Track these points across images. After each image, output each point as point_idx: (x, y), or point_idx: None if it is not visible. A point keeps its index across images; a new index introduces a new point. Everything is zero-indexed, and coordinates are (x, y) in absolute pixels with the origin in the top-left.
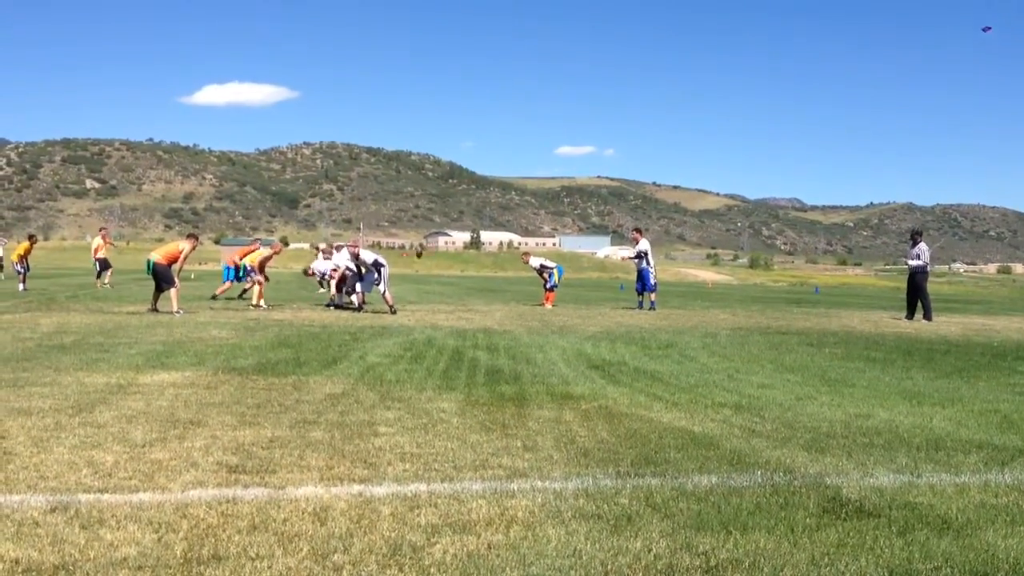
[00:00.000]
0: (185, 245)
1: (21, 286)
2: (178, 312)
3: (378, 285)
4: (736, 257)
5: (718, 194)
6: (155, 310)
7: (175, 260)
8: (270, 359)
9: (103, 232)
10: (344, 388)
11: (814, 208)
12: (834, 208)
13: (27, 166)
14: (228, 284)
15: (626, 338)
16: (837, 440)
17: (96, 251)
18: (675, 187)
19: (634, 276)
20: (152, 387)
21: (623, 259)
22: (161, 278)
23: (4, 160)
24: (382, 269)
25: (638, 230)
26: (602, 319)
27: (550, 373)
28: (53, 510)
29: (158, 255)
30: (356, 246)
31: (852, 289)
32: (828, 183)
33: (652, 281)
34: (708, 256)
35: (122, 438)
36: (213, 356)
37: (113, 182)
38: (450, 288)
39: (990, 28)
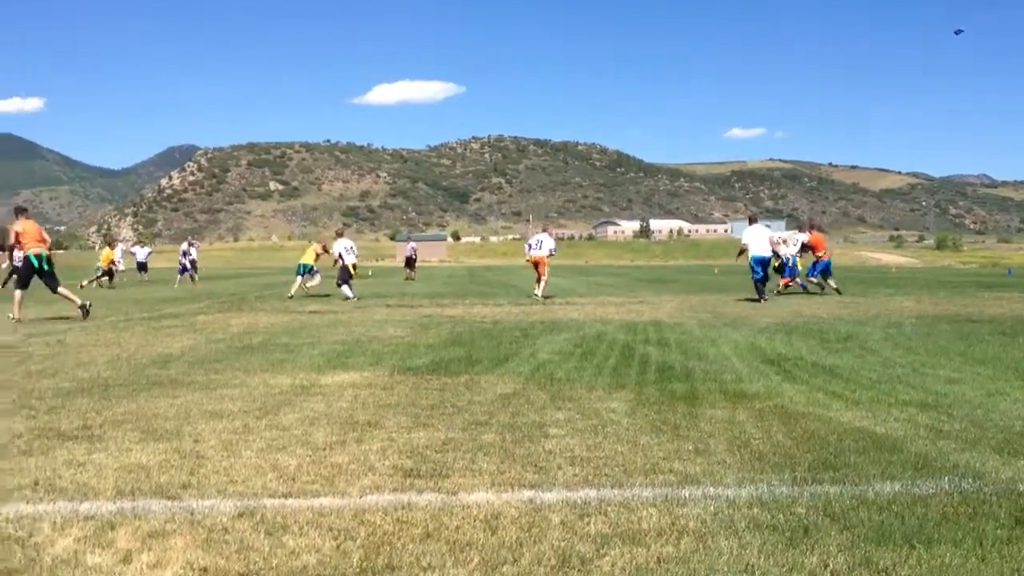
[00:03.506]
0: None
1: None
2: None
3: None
4: (921, 238)
5: (900, 172)
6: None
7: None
8: (443, 358)
9: (118, 243)
10: (515, 388)
11: (1005, 183)
12: None
13: (216, 171)
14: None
15: (803, 330)
16: None
17: (108, 261)
18: (852, 167)
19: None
20: (332, 388)
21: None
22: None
23: (195, 165)
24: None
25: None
26: (777, 309)
27: (723, 369)
28: (240, 515)
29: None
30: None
31: None
32: (1020, 156)
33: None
34: (891, 238)
35: (305, 441)
36: (390, 355)
37: (295, 183)
38: (619, 279)
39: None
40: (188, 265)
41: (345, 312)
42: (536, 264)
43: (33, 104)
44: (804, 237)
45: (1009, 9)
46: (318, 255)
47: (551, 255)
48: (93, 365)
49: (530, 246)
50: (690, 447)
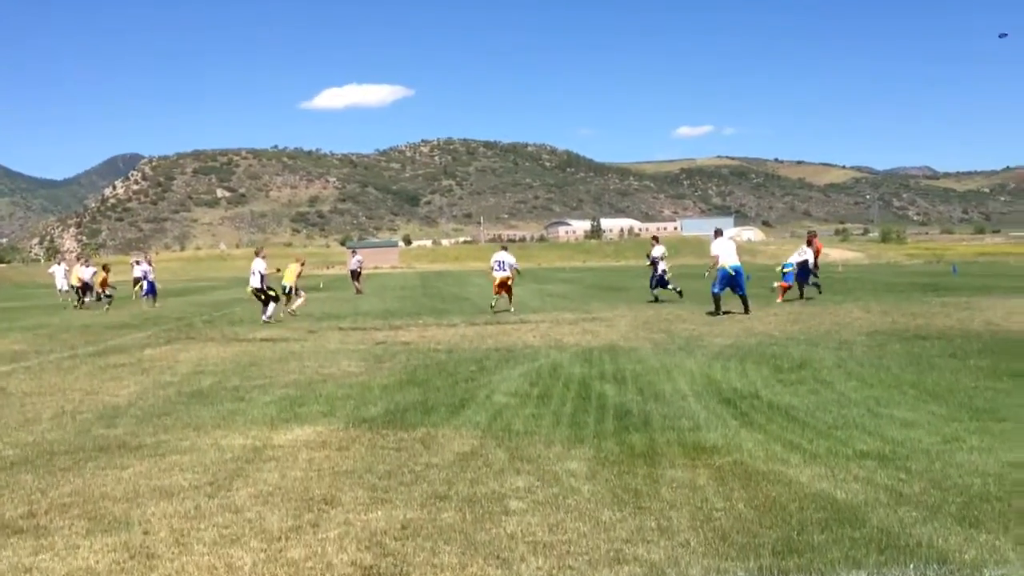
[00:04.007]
0: None
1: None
2: None
3: None
4: (866, 231)
5: (844, 166)
6: None
7: None
8: (399, 404)
9: (105, 266)
10: (472, 445)
11: (947, 175)
12: (968, 174)
13: (161, 179)
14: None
15: (756, 355)
16: (992, 505)
17: (103, 284)
18: (798, 162)
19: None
20: (286, 450)
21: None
22: None
23: (139, 174)
24: None
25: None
26: (730, 324)
27: (680, 413)
28: None
29: None
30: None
31: (993, 265)
32: (961, 148)
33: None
34: (837, 232)
35: (259, 528)
36: (343, 402)
37: (242, 190)
38: (571, 288)
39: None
40: (149, 284)
41: (297, 341)
42: (503, 283)
43: None
44: (810, 255)
45: (948, 5)
46: (299, 274)
47: (515, 270)
48: (37, 423)
49: (495, 266)
50: (653, 524)
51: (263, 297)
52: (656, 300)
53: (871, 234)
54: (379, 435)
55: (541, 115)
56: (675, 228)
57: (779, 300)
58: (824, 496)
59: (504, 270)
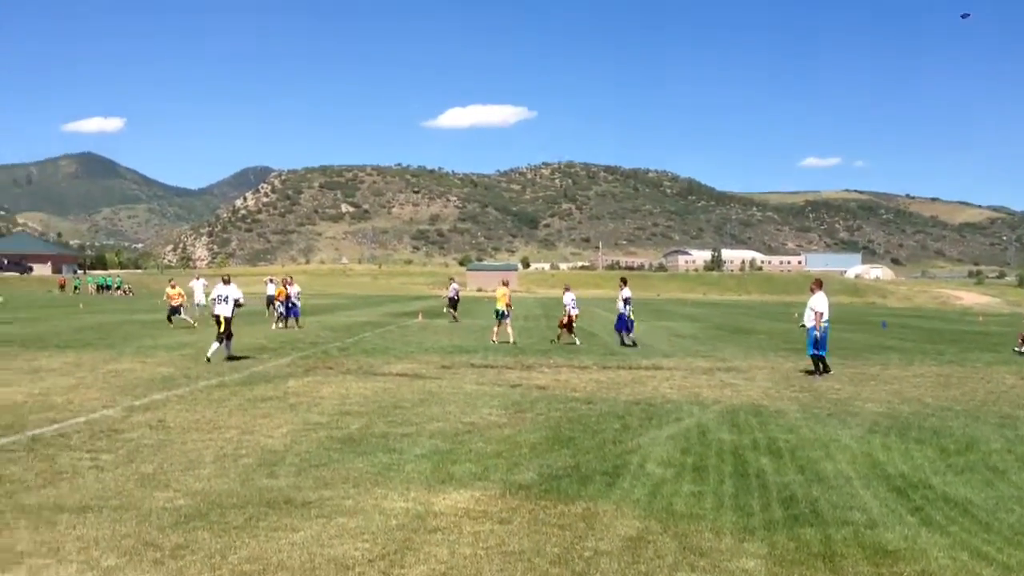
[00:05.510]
0: None
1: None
2: None
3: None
4: (1002, 274)
5: (980, 206)
6: None
7: None
8: (552, 469)
9: (173, 282)
10: (637, 528)
11: None
12: None
13: (289, 192)
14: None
15: (916, 430)
16: None
17: (171, 298)
18: (932, 199)
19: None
20: (449, 519)
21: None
22: None
23: (269, 187)
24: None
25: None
26: (876, 387)
27: (849, 503)
28: None
29: None
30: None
31: None
32: None
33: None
34: (970, 274)
35: None
36: (495, 462)
37: (366, 206)
38: (699, 328)
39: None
40: (287, 308)
41: (433, 379)
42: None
43: (114, 124)
44: None
45: None
46: (508, 295)
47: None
48: (201, 467)
49: (570, 303)
50: None
51: (226, 330)
52: (625, 344)
53: (1007, 277)
54: (539, 506)
55: (663, 141)
56: (799, 263)
57: None
58: None
59: (576, 308)
